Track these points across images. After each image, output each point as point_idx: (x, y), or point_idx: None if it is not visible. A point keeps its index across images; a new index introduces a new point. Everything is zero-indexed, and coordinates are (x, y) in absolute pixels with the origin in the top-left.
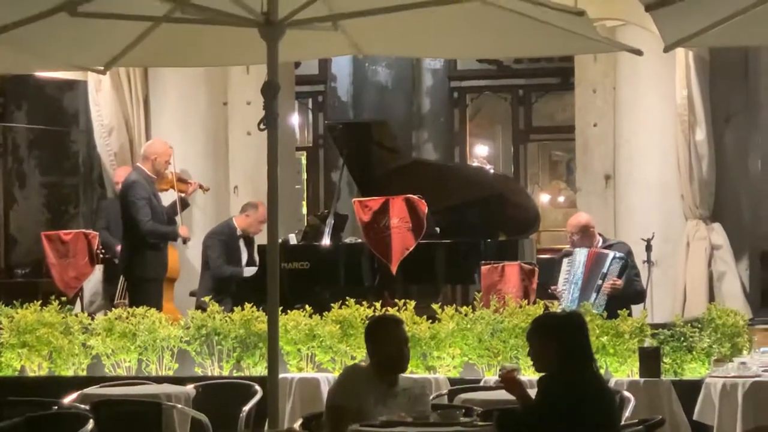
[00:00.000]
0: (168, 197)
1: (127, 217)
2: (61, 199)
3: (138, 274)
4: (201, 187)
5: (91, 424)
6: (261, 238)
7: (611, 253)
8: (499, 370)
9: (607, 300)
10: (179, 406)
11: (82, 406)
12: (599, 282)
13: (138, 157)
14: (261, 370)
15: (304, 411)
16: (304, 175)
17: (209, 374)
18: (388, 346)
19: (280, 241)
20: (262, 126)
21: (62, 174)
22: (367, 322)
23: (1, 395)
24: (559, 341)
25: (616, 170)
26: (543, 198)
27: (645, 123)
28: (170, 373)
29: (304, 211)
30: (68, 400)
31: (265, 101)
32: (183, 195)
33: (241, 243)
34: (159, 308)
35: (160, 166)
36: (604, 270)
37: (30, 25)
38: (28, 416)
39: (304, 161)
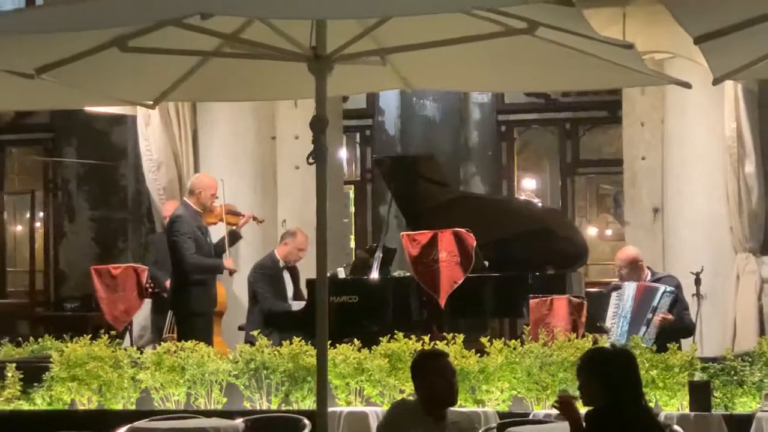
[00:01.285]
0: (219, 231)
1: (173, 252)
2: (110, 234)
3: (185, 309)
4: (255, 218)
5: None
6: (308, 272)
7: (662, 287)
8: (559, 392)
9: (656, 334)
10: None
11: None
12: (649, 316)
13: (186, 191)
14: (309, 404)
15: None
16: (352, 209)
17: (258, 408)
18: (435, 380)
19: (328, 275)
20: (310, 160)
21: (111, 208)
22: (413, 356)
23: (52, 429)
24: (608, 376)
25: (665, 203)
26: (591, 231)
27: (693, 156)
28: (219, 407)
29: (352, 245)
30: None
31: (314, 135)
32: (234, 227)
33: (286, 275)
34: (208, 342)
35: (206, 199)
36: (655, 304)
37: (80, 61)
38: None
39: (352, 195)
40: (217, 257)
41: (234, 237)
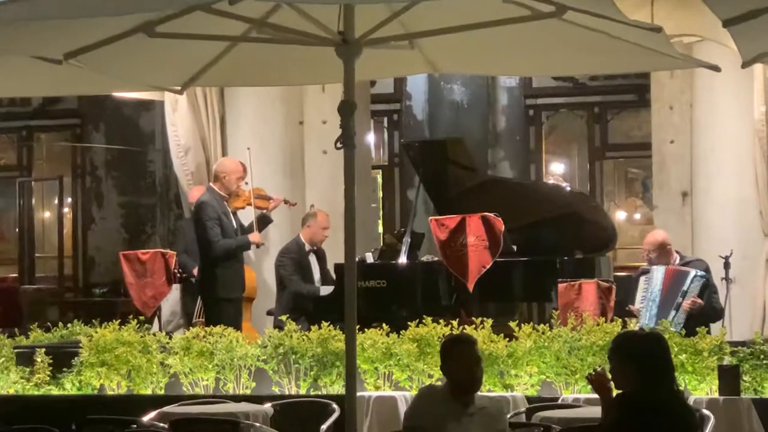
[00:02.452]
0: (248, 215)
1: (199, 238)
2: (138, 219)
3: (213, 294)
4: (286, 201)
5: None
6: (336, 257)
7: (692, 271)
8: (594, 369)
9: (685, 318)
10: (257, 424)
11: (161, 424)
12: (679, 300)
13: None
14: (338, 388)
15: (381, 429)
16: (380, 194)
17: (286, 393)
18: (459, 366)
19: (356, 259)
20: (338, 144)
21: (139, 194)
22: (441, 341)
23: (82, 413)
24: (639, 361)
25: (694, 187)
26: (619, 215)
27: (722, 139)
28: (248, 391)
29: (380, 229)
30: (147, 418)
31: (342, 120)
32: (264, 211)
33: (312, 258)
34: (237, 327)
35: (231, 184)
36: (685, 288)
37: (108, 46)
38: None
39: (379, 180)
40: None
41: (264, 220)
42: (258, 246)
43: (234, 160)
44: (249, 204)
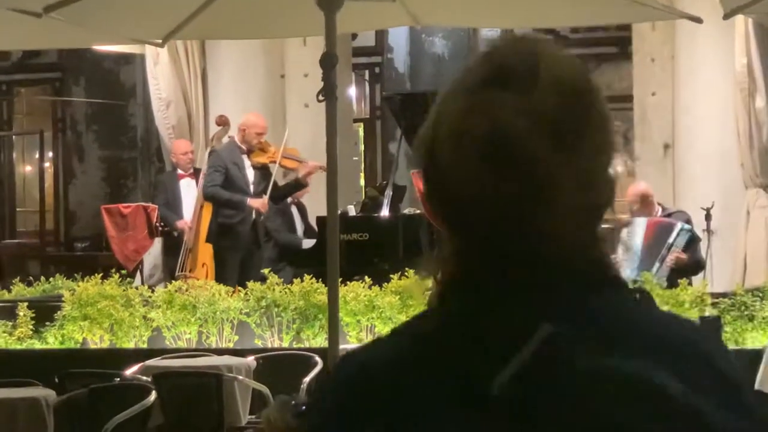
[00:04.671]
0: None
1: None
2: (119, 173)
3: (218, 242)
4: (323, 168)
5: (153, 395)
6: (318, 210)
7: (679, 224)
8: None
9: (669, 271)
10: (240, 377)
11: (144, 377)
12: (664, 252)
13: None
14: (321, 341)
15: None
16: (362, 147)
17: (269, 346)
18: None
19: (339, 212)
20: (320, 97)
21: (120, 148)
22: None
23: (64, 367)
24: None
25: (675, 139)
26: None
27: (704, 92)
28: (230, 345)
29: (362, 182)
30: (130, 371)
31: (324, 73)
32: (299, 176)
33: (294, 211)
34: (236, 279)
35: (251, 137)
36: (670, 241)
37: (88, 0)
38: (91, 387)
39: (361, 133)
40: (276, 200)
41: (297, 185)
42: (259, 215)
43: (257, 114)
44: (273, 161)
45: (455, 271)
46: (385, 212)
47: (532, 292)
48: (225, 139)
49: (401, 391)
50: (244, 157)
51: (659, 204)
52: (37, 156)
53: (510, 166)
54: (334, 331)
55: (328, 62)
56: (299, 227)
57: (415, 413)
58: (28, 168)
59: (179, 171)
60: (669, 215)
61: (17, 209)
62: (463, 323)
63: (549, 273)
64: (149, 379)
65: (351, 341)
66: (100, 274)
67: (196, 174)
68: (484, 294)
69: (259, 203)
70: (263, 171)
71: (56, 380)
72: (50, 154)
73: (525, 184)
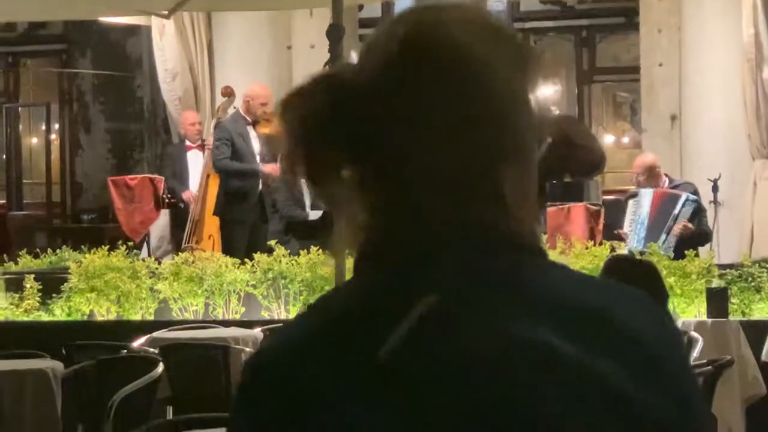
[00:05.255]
0: None
1: None
2: (126, 145)
3: (225, 215)
4: None
5: (160, 367)
6: None
7: (684, 195)
8: None
9: (676, 242)
10: (247, 349)
11: (151, 349)
12: (670, 223)
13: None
14: None
15: None
16: None
17: (276, 318)
18: None
19: None
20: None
21: (127, 120)
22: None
23: (71, 339)
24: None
25: (682, 111)
26: (607, 139)
27: (711, 63)
28: (237, 316)
29: None
30: (137, 343)
31: (330, 44)
32: None
33: (303, 182)
34: (243, 252)
35: (255, 108)
36: (676, 212)
37: None
38: (98, 359)
39: None
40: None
41: None
42: (271, 181)
43: (261, 84)
44: (279, 131)
45: (363, 241)
46: None
47: (425, 257)
48: (230, 110)
49: (300, 375)
50: (250, 128)
51: (666, 175)
52: (43, 128)
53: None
54: None
55: (334, 33)
56: (308, 199)
57: (312, 395)
58: (35, 140)
59: (187, 142)
60: (676, 187)
61: (24, 181)
62: (359, 296)
63: (443, 236)
64: (156, 351)
65: None
66: (107, 246)
67: (202, 145)
68: (380, 261)
69: (272, 168)
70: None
71: (63, 352)
72: (56, 125)
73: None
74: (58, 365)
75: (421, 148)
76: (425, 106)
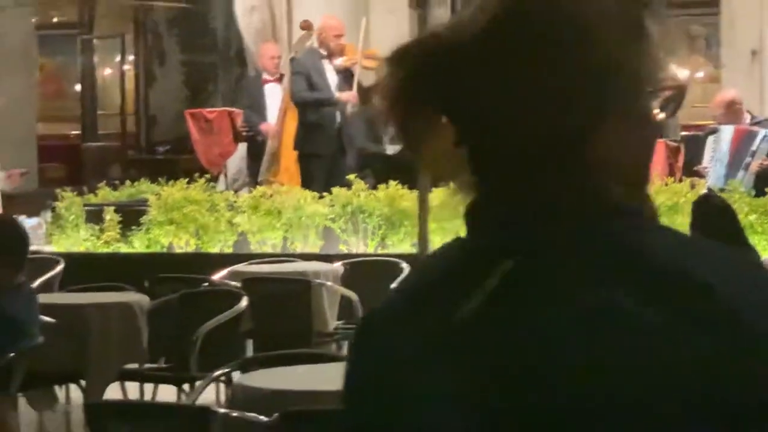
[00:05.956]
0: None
1: None
2: (199, 77)
3: (303, 149)
4: None
5: (245, 301)
6: None
7: (762, 131)
8: None
9: (755, 179)
10: (329, 283)
11: (232, 282)
12: (748, 160)
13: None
14: (406, 247)
15: None
16: None
17: (354, 252)
18: None
19: None
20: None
21: (201, 52)
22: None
23: (151, 271)
24: (703, 228)
25: (763, 45)
26: (682, 74)
27: None
28: (315, 251)
29: None
30: (217, 276)
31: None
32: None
33: None
34: (320, 184)
35: (328, 40)
36: (753, 148)
37: None
38: (182, 293)
39: None
40: (365, 101)
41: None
42: (348, 107)
43: (333, 16)
44: (354, 63)
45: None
46: None
47: (512, 221)
48: (308, 44)
49: (391, 336)
50: (325, 61)
51: (748, 112)
52: (118, 59)
53: None
54: (424, 237)
55: None
56: (386, 134)
57: (399, 357)
58: (109, 71)
59: (264, 75)
60: (757, 123)
61: (98, 112)
62: (448, 258)
63: (533, 200)
64: (239, 285)
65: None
66: (186, 179)
67: (281, 79)
68: (473, 222)
69: (347, 95)
70: (345, 74)
71: (146, 284)
72: (131, 57)
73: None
74: (143, 298)
75: (518, 110)
76: (525, 68)
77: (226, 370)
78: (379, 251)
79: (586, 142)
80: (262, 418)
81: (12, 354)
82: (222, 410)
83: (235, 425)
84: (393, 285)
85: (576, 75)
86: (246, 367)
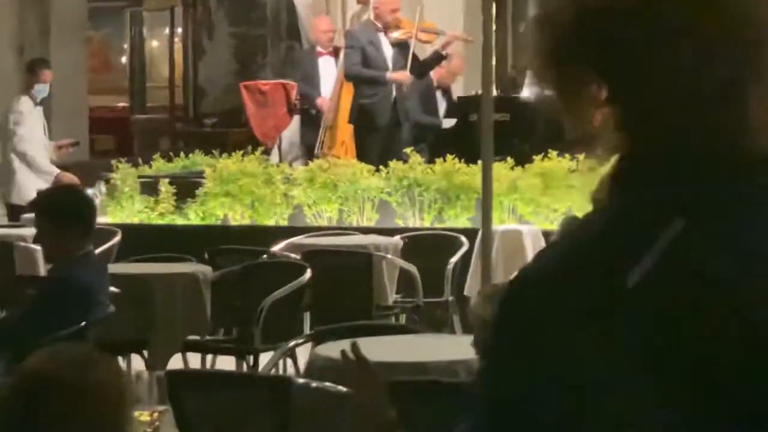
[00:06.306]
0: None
1: None
2: (249, 50)
3: (358, 121)
4: (460, 38)
5: (308, 273)
6: (459, 90)
7: None
8: None
9: None
10: (389, 256)
11: (292, 255)
12: None
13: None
14: (462, 221)
15: (505, 262)
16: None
17: (410, 226)
18: None
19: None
20: None
21: (250, 24)
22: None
23: (207, 243)
24: None
25: None
26: None
27: None
28: (371, 224)
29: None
30: (276, 248)
31: None
32: (437, 48)
33: (438, 94)
34: (375, 158)
35: (385, 14)
36: None
37: None
38: (244, 264)
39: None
40: (420, 75)
41: (438, 57)
42: (401, 85)
43: None
44: (410, 37)
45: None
46: (526, 93)
47: (671, 181)
48: (364, 18)
49: (548, 300)
50: (381, 35)
51: None
52: (166, 32)
53: None
54: (487, 210)
55: None
56: (442, 108)
57: (558, 319)
58: (157, 43)
59: (318, 49)
60: None
61: (147, 84)
62: (605, 221)
63: (690, 159)
64: (299, 257)
65: (493, 222)
66: (241, 152)
67: (335, 52)
68: (627, 183)
69: (400, 75)
70: (401, 47)
71: (206, 256)
72: (180, 29)
73: None
74: (206, 269)
75: (668, 67)
76: (673, 27)
77: (301, 340)
78: (436, 225)
79: (741, 95)
80: (342, 388)
81: (84, 324)
82: (301, 380)
83: (311, 396)
84: (539, 249)
85: (737, 27)
86: (322, 338)
